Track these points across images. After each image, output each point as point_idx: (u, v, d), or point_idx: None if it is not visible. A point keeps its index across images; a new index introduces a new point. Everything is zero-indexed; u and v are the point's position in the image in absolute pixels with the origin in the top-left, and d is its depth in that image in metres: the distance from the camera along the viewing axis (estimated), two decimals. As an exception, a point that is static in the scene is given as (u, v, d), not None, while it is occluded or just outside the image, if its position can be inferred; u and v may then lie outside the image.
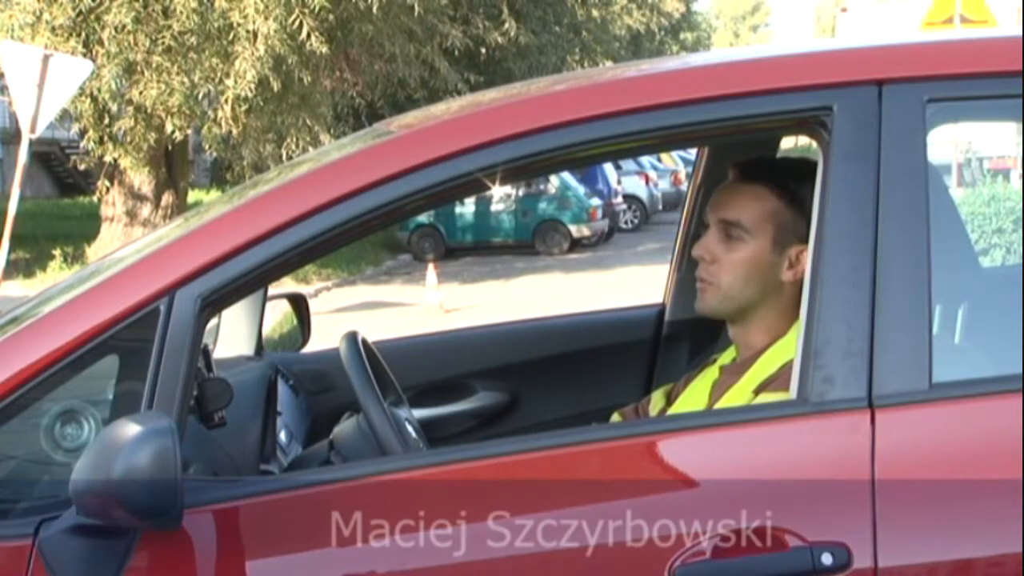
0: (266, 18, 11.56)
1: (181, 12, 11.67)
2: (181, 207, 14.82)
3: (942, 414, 1.60)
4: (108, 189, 14.34)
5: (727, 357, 2.14)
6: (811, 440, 1.61)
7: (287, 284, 12.49)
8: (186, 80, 11.90)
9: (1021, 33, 1.74)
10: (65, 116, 12.81)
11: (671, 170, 25.56)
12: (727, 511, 1.56)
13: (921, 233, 1.64)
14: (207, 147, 13.74)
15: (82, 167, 14.71)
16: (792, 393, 1.67)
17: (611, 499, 1.59)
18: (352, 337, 2.26)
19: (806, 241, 1.93)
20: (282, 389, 2.71)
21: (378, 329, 8.75)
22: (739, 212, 2.01)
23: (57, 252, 14.79)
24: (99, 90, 11.94)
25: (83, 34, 11.85)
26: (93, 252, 14.64)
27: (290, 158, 12.38)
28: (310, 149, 12.44)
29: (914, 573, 1.55)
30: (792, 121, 1.76)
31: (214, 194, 22.45)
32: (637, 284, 12.63)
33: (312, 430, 2.78)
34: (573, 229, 18.93)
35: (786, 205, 1.98)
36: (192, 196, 18.93)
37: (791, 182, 1.99)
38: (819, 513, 1.56)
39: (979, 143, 14.82)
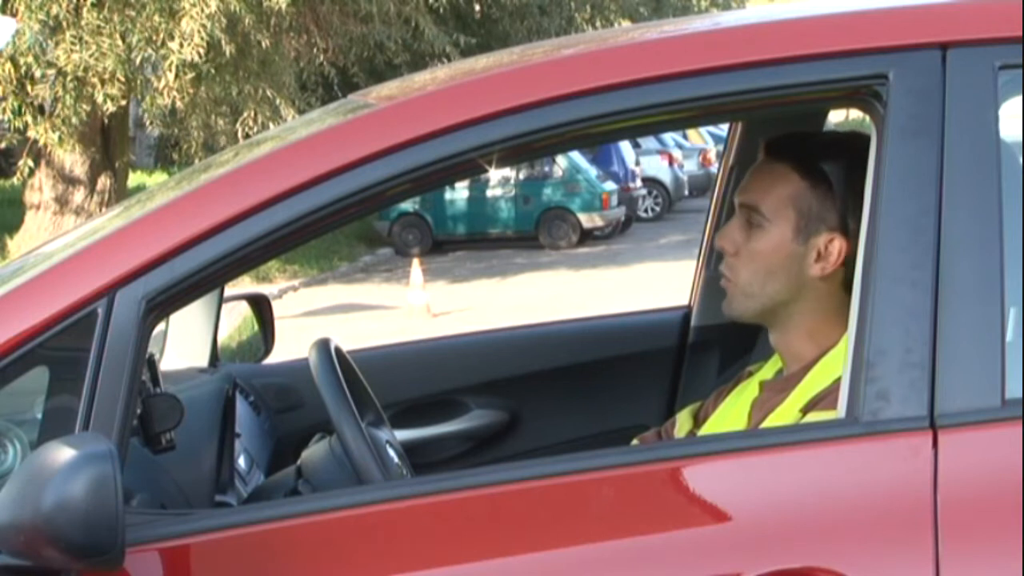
0: (219, -31, 11.55)
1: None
2: (121, 192, 14.81)
3: (1017, 436, 1.61)
4: (33, 171, 14.31)
5: (768, 371, 2.15)
6: (862, 466, 1.62)
7: (246, 284, 12.50)
8: (121, 42, 11.89)
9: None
10: (-21, 83, 12.79)
11: (699, 148, 25.55)
12: (764, 549, 1.57)
13: (992, 223, 1.65)
14: (149, 122, 13.73)
15: (1, 144, 14.69)
16: (840, 411, 1.68)
17: (629, 536, 1.60)
18: (324, 345, 2.27)
19: (836, 229, 1.96)
20: (241, 406, 2.72)
21: (354, 336, 8.76)
22: (758, 195, 2.03)
23: (-28, 246, 14.80)
24: (19, 51, 11.92)
25: (-1, -15, 11.85)
26: (16, 245, 14.63)
27: (248, 135, 12.39)
28: (271, 125, 12.43)
29: (983, 622, 1.56)
30: (841, 91, 1.76)
31: (159, 177, 22.46)
32: (658, 283, 12.64)
33: (276, 454, 2.79)
34: (583, 218, 18.94)
35: (810, 187, 2.00)
36: (133, 179, 18.92)
37: (819, 161, 2.00)
38: (872, 551, 1.56)
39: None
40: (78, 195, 14.76)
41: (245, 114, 13.18)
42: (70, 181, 14.78)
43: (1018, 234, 1.66)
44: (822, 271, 1.99)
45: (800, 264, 2.00)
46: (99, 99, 12.25)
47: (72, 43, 11.90)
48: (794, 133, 2.17)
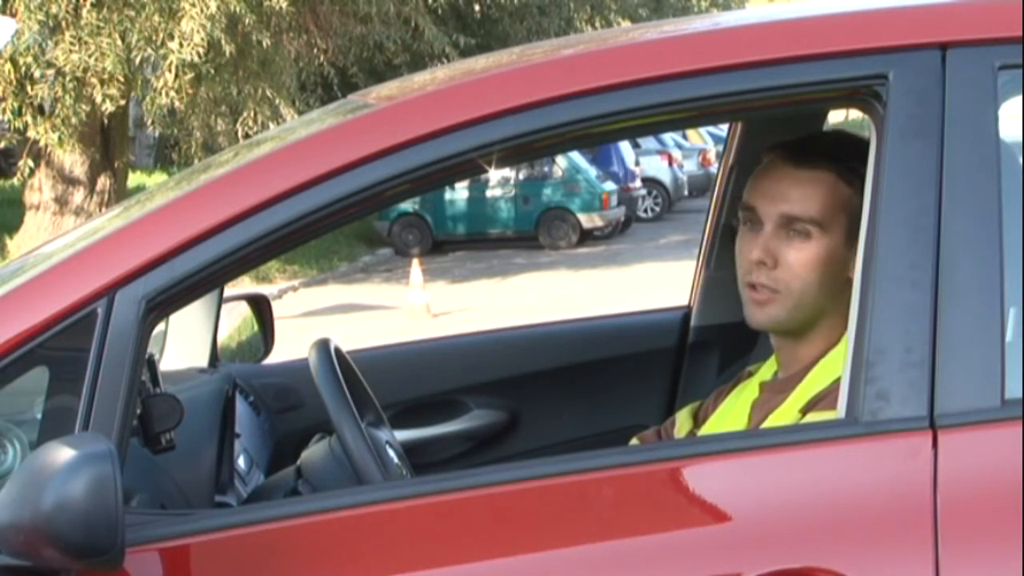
0: (219, -31, 11.55)
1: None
2: (120, 192, 14.80)
3: (1016, 436, 1.61)
4: (33, 171, 14.30)
5: (768, 371, 2.14)
6: (862, 467, 1.62)
7: (246, 284, 12.50)
8: (120, 42, 11.88)
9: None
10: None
11: (699, 148, 25.56)
12: (764, 549, 1.57)
13: (992, 223, 1.65)
14: (149, 122, 13.73)
15: (1, 144, 14.68)
16: (840, 411, 1.68)
17: (629, 536, 1.60)
18: (323, 346, 2.27)
19: None
20: (241, 407, 2.72)
21: (354, 336, 8.76)
22: (806, 204, 1.97)
23: (-28, 246, 14.79)
24: (18, 51, 11.92)
25: (-3, -15, 11.85)
26: (16, 246, 14.62)
27: (247, 135, 12.39)
28: (271, 125, 12.43)
29: (983, 623, 1.56)
30: (840, 92, 1.76)
31: (159, 177, 22.46)
32: (658, 283, 12.64)
33: (276, 455, 2.79)
34: (583, 219, 18.94)
35: (855, 192, 1.94)
36: (133, 179, 18.92)
37: (857, 163, 1.97)
38: (872, 551, 1.56)
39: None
40: (78, 195, 14.76)
41: (245, 114, 13.18)
42: (70, 181, 14.78)
43: (1018, 234, 1.66)
44: None
45: (844, 269, 1.95)
46: (99, 99, 12.24)
47: (71, 43, 11.90)
48: (820, 135, 2.13)
